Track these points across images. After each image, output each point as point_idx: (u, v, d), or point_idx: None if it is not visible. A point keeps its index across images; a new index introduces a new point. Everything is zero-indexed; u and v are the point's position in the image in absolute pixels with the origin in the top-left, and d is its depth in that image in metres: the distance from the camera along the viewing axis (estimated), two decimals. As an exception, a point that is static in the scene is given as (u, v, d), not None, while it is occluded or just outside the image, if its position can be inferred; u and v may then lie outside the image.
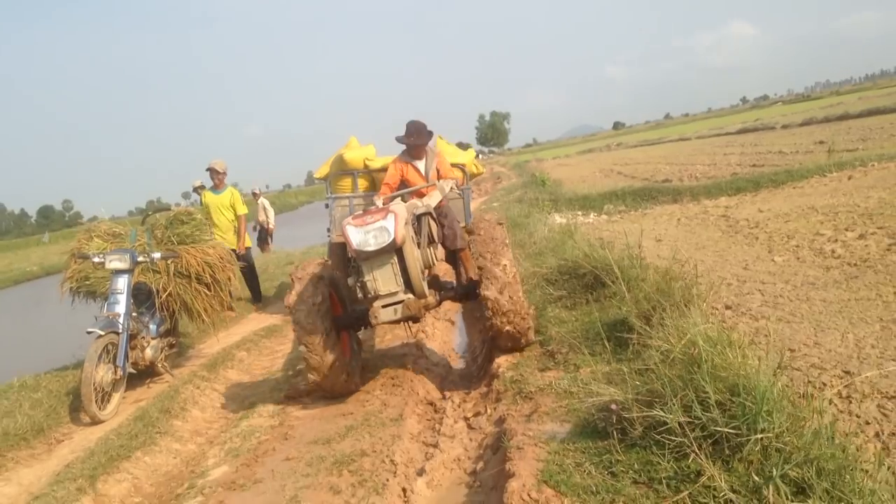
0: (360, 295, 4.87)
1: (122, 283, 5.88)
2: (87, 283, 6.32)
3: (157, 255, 6.18)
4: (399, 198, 5.84)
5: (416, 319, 5.12)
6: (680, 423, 3.03)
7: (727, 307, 6.32)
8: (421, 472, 4.06)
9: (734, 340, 3.52)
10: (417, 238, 5.15)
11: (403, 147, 6.50)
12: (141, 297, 6.29)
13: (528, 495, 3.05)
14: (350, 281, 5.01)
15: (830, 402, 4.02)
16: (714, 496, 2.70)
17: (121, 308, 5.82)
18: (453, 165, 7.37)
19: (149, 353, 6.20)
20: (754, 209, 12.08)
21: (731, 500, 2.65)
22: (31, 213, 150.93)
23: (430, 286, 5.19)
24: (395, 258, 4.65)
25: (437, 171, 6.67)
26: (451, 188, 6.40)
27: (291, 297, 5.05)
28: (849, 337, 5.07)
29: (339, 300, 5.55)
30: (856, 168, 14.34)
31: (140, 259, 6.05)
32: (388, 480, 3.89)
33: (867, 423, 3.71)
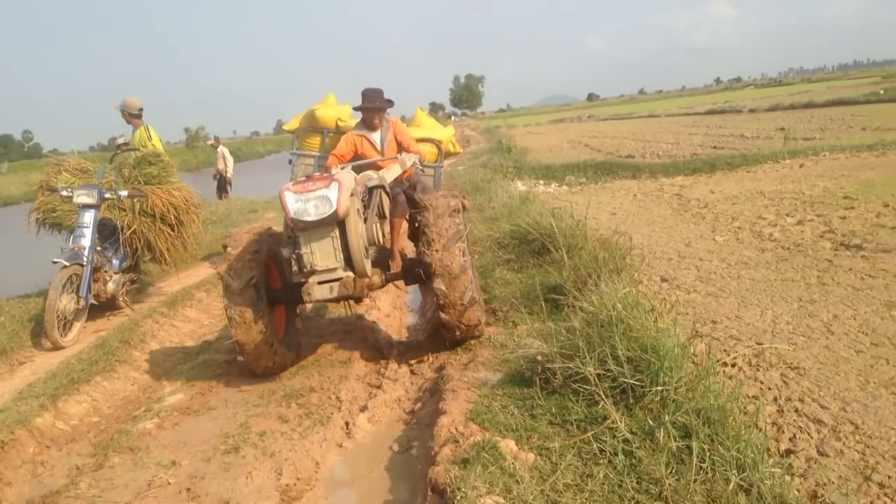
0: (294, 268, 4.47)
1: (89, 217, 6.08)
2: (54, 215, 6.49)
3: (123, 193, 6.37)
4: (349, 167, 5.55)
5: (356, 300, 4.88)
6: (594, 375, 3.42)
7: (663, 279, 6.75)
8: (363, 409, 4.42)
9: (654, 307, 3.93)
10: (365, 212, 4.78)
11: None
12: (105, 232, 6.49)
13: (456, 429, 3.43)
14: (285, 252, 4.59)
15: (739, 368, 4.48)
16: (614, 436, 3.10)
17: (86, 241, 6.03)
18: (427, 140, 7.19)
19: (111, 286, 6.43)
20: (707, 190, 12.54)
21: (628, 440, 3.05)
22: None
23: (375, 264, 4.91)
24: (337, 231, 4.28)
25: (398, 143, 6.39)
26: (414, 163, 6.11)
27: (223, 265, 4.79)
28: (767, 313, 5.52)
29: (278, 272, 5.21)
30: (808, 157, 14.90)
31: (107, 196, 6.24)
32: (332, 414, 4.26)
33: (769, 388, 4.13)
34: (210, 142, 17.35)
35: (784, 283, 6.32)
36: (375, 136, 6.24)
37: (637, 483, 2.80)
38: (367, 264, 4.50)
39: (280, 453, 3.85)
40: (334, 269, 4.30)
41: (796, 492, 2.65)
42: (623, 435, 3.07)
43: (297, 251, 4.37)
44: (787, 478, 2.76)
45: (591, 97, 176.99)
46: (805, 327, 5.13)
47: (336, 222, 4.22)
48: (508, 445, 3.18)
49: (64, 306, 5.79)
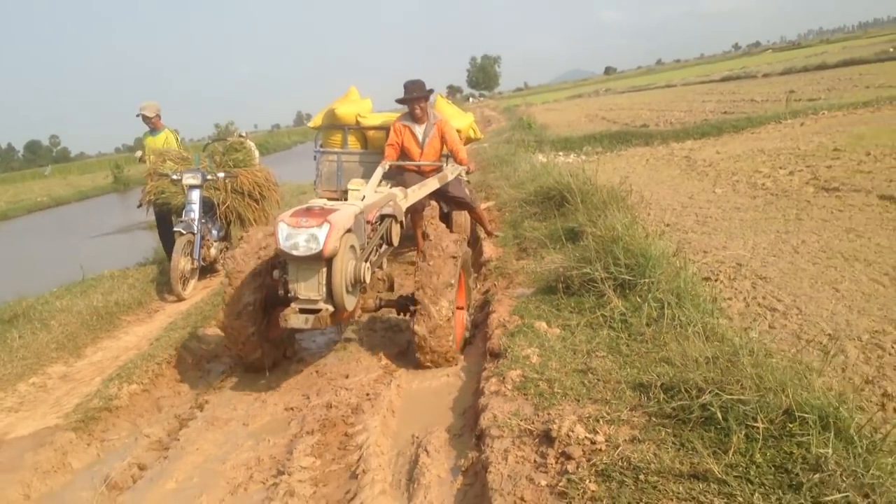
0: (280, 291, 4.59)
1: (195, 195, 7.55)
2: (163, 195, 7.96)
3: (221, 174, 7.82)
4: (387, 178, 6.03)
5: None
6: (601, 276, 4.80)
7: (666, 224, 8.07)
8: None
9: (645, 228, 5.31)
10: (361, 242, 4.76)
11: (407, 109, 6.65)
12: (205, 208, 7.95)
13: (502, 319, 4.85)
14: (275, 274, 4.79)
15: (720, 281, 5.82)
16: (613, 312, 4.49)
17: (195, 215, 7.50)
18: None
19: (213, 251, 7.92)
20: (713, 151, 13.75)
21: (623, 313, 4.44)
22: (18, 148, 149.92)
23: (373, 289, 5.11)
24: (324, 267, 4.32)
25: (443, 140, 6.65)
26: (459, 175, 6.31)
27: (229, 263, 5.03)
28: (749, 243, 6.85)
29: None
30: (808, 116, 16.04)
31: (209, 177, 7.71)
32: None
33: (739, 292, 5.48)
34: (240, 136, 18.66)
35: (767, 221, 7.63)
36: (418, 129, 6.64)
37: (628, 336, 4.20)
38: (350, 300, 4.51)
39: (380, 346, 5.34)
40: (316, 301, 4.33)
41: (731, 331, 4.00)
42: (619, 310, 4.46)
43: (284, 276, 4.49)
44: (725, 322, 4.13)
45: (608, 71, 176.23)
46: (777, 251, 6.46)
47: (322, 259, 4.27)
48: (541, 325, 4.59)
49: (183, 266, 7.28)
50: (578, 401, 3.46)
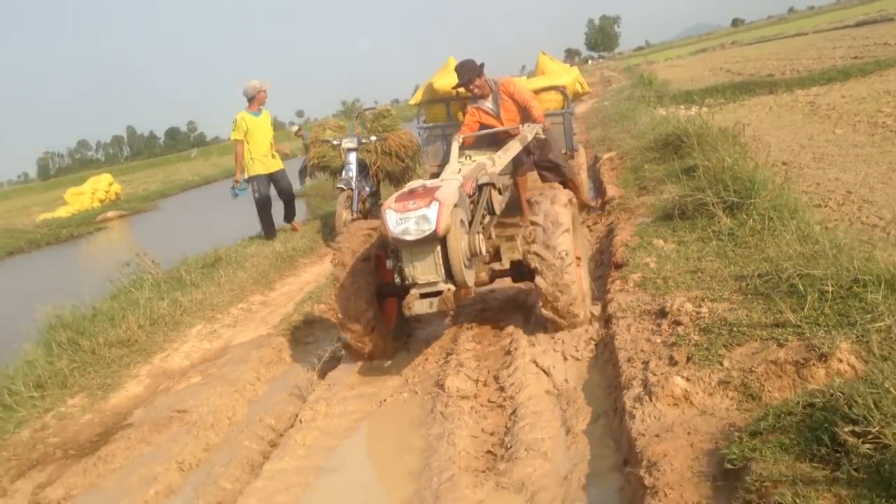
0: (396, 280, 4.44)
1: (352, 157, 8.75)
2: (325, 159, 9.25)
3: (373, 138, 8.99)
4: (470, 150, 5.97)
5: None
6: (712, 202, 5.53)
7: (783, 163, 8.55)
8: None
9: (752, 157, 5.98)
10: (470, 216, 4.68)
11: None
12: (359, 168, 9.16)
13: (625, 239, 5.70)
14: (388, 263, 4.65)
15: (829, 206, 6.38)
16: (721, 227, 5.23)
17: (352, 174, 8.71)
18: (550, 88, 7.26)
19: (367, 205, 9.14)
20: (838, 96, 13.73)
21: (731, 228, 5.17)
22: (159, 135, 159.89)
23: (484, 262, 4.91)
24: (438, 248, 4.17)
25: (515, 102, 6.57)
26: (537, 133, 6.20)
27: (335, 256, 4.95)
28: (860, 174, 7.29)
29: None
30: (942, 56, 15.53)
31: (363, 141, 8.90)
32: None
33: (846, 215, 6.04)
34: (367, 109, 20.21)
35: (882, 154, 7.98)
36: (488, 104, 6.63)
37: (734, 245, 4.95)
38: (469, 275, 4.38)
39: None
40: (436, 283, 4.22)
41: (827, 241, 4.67)
42: (728, 225, 5.20)
43: (399, 263, 4.35)
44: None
45: (735, 22, 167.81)
46: (887, 178, 6.91)
47: (436, 240, 4.13)
48: (658, 241, 5.41)
49: (345, 217, 8.51)
50: (689, 290, 4.30)
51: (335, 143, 8.86)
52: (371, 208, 9.30)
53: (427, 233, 4.02)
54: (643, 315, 4.16)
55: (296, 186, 10.16)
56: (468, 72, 6.43)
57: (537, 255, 4.42)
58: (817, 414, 2.49)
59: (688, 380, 3.22)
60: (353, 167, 8.74)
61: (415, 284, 4.24)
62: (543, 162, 6.73)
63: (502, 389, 4.13)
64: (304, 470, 3.74)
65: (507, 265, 5.07)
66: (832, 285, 3.50)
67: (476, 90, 6.54)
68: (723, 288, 4.17)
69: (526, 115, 6.61)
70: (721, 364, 3.26)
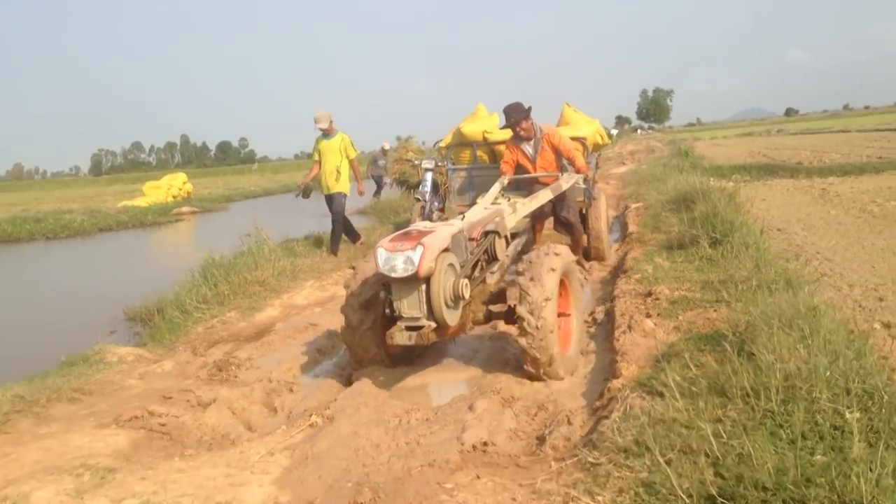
0: (387, 311, 4.92)
1: (429, 176, 10.86)
2: (405, 175, 11.43)
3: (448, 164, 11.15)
4: (516, 191, 6.72)
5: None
6: (701, 235, 7.53)
7: (778, 229, 10.51)
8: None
9: (738, 207, 8.03)
10: (461, 260, 4.89)
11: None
12: (432, 186, 11.26)
13: (633, 256, 7.72)
14: (382, 295, 5.02)
15: (801, 261, 8.35)
16: (703, 253, 7.22)
17: (427, 189, 10.80)
18: (572, 140, 7.61)
19: (435, 216, 11.22)
20: (848, 186, 15.56)
21: (710, 254, 7.17)
22: (211, 147, 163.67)
23: (478, 303, 5.14)
24: (423, 286, 4.50)
25: (553, 149, 7.11)
26: (577, 182, 6.68)
27: (348, 277, 5.38)
28: (832, 242, 9.23)
29: None
30: (956, 164, 17.33)
31: (439, 164, 11.03)
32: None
33: (807, 264, 8.01)
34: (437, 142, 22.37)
35: (856, 231, 9.90)
36: (528, 146, 7.16)
37: (709, 264, 6.94)
38: (452, 315, 4.64)
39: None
40: (418, 318, 4.54)
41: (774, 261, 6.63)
42: (709, 252, 7.20)
43: (389, 296, 4.73)
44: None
45: (789, 112, 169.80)
46: (848, 245, 8.84)
47: (419, 280, 4.44)
48: (657, 259, 7.44)
49: (418, 223, 10.60)
50: (669, 284, 6.32)
51: (416, 162, 11.03)
52: (438, 219, 11.42)
53: (410, 272, 4.38)
54: (636, 296, 6.19)
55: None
56: (516, 114, 6.95)
57: (521, 317, 4.66)
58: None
59: (655, 324, 5.25)
60: (429, 184, 10.86)
61: (401, 317, 4.63)
62: (560, 217, 7.52)
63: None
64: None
65: (504, 308, 5.32)
66: (755, 283, 5.51)
67: (522, 132, 7.06)
68: (692, 285, 6.19)
69: (562, 166, 7.35)
70: (677, 318, 5.29)
